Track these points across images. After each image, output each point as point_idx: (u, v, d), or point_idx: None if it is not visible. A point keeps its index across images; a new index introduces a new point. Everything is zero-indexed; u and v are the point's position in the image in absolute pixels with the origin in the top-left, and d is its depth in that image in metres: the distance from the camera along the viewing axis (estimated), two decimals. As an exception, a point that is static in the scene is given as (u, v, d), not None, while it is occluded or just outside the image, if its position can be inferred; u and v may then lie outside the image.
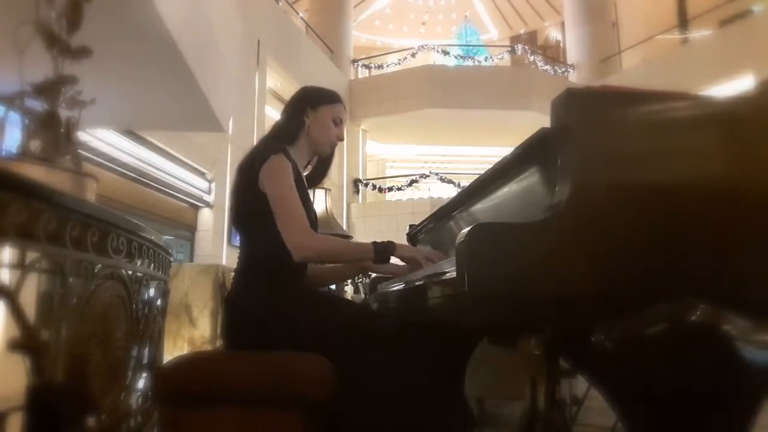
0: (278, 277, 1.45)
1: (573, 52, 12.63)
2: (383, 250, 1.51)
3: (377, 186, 11.60)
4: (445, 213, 1.82)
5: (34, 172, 1.42)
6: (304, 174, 1.69)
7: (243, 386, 1.29)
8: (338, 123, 1.68)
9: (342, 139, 1.71)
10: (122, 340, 1.44)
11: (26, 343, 1.03)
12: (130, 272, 1.43)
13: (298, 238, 1.41)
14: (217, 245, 6.80)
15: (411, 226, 2.28)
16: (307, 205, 1.57)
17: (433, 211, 1.94)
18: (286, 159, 1.50)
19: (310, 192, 3.95)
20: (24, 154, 1.56)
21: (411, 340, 1.38)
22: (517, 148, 1.17)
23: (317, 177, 1.76)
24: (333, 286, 4.30)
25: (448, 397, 1.54)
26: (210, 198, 6.89)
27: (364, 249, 1.54)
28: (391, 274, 1.75)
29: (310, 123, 1.63)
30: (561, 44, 15.96)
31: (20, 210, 0.99)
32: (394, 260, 1.62)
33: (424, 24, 17.22)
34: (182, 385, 1.32)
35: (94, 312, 1.26)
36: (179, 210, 6.61)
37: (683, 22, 12.11)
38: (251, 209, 1.47)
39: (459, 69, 12.28)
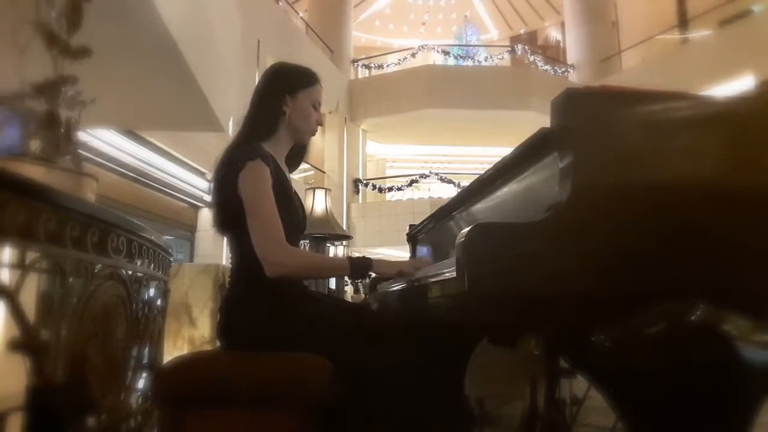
0: (273, 279, 1.43)
1: (573, 52, 12.64)
2: (359, 267, 1.47)
3: (377, 186, 11.60)
4: (445, 213, 1.82)
5: (34, 172, 1.42)
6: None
7: (243, 386, 1.29)
8: (317, 107, 1.58)
9: (322, 124, 1.62)
10: (122, 340, 1.44)
11: (26, 343, 1.03)
12: (130, 272, 1.43)
13: (272, 255, 1.35)
14: (217, 245, 6.79)
15: (411, 226, 2.28)
16: (294, 202, 1.54)
17: (433, 211, 1.94)
18: (263, 164, 1.41)
19: (310, 192, 3.94)
20: (24, 154, 1.56)
21: (411, 340, 1.38)
22: (517, 148, 1.17)
23: (294, 164, 1.68)
24: (333, 286, 4.31)
25: (448, 397, 1.53)
26: (210, 198, 6.88)
27: (340, 265, 1.51)
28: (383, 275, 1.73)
29: (289, 112, 1.53)
30: (561, 44, 15.96)
31: (20, 210, 0.99)
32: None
33: (424, 24, 17.23)
34: (182, 385, 1.32)
35: (94, 312, 1.26)
36: (179, 210, 6.61)
37: (683, 22, 12.11)
38: (235, 214, 1.42)
39: (459, 69, 12.30)
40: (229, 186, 1.43)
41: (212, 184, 1.53)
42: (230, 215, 1.45)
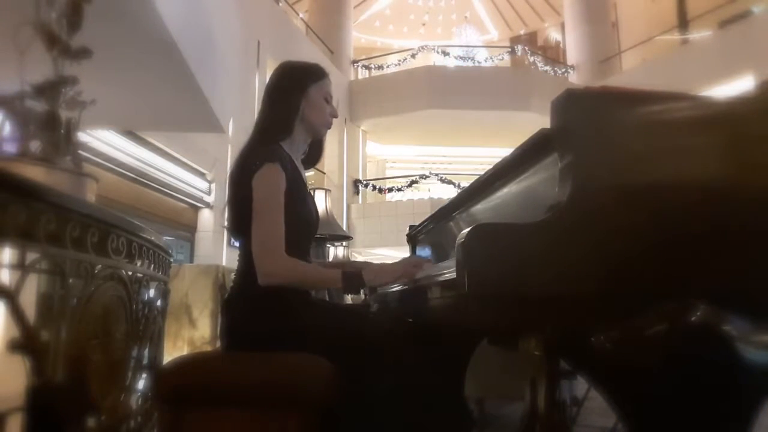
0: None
1: (573, 53, 12.64)
2: (351, 282, 1.43)
3: (377, 187, 11.60)
4: (445, 214, 1.82)
5: (34, 173, 1.42)
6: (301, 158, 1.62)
7: (243, 387, 1.29)
8: (330, 99, 1.58)
9: (336, 116, 1.61)
10: (122, 341, 1.44)
11: (26, 343, 1.03)
12: (130, 273, 1.43)
13: (266, 265, 1.36)
14: (217, 246, 6.80)
15: (411, 226, 2.29)
16: (307, 203, 1.53)
17: (433, 211, 1.94)
18: (280, 169, 1.41)
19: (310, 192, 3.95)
20: (24, 155, 1.56)
21: (411, 340, 1.38)
22: (517, 149, 1.17)
23: (313, 159, 1.67)
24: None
25: (448, 397, 1.53)
26: (210, 199, 6.89)
27: (333, 278, 1.45)
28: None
29: (303, 108, 1.52)
30: (561, 45, 15.97)
31: (20, 211, 0.99)
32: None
33: (424, 25, 17.23)
34: (182, 386, 1.32)
35: (94, 313, 1.26)
36: (179, 210, 6.61)
37: (683, 22, 12.12)
38: (248, 214, 1.43)
39: (459, 70, 12.29)
40: (244, 184, 1.42)
41: (228, 183, 1.52)
42: (242, 215, 1.45)
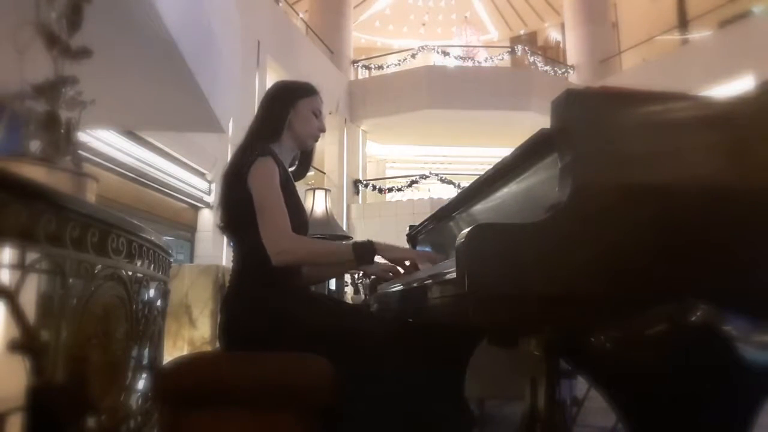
0: (274, 278, 1.44)
1: (573, 53, 12.64)
2: (363, 251, 1.48)
3: (377, 187, 11.60)
4: (445, 214, 1.82)
5: (34, 173, 1.42)
6: (290, 170, 1.68)
7: (243, 387, 1.29)
8: (318, 115, 1.68)
9: (324, 131, 1.70)
10: (122, 341, 1.44)
11: (26, 343, 1.03)
12: (130, 273, 1.43)
13: (278, 243, 1.40)
14: (217, 246, 6.79)
15: (411, 226, 2.28)
16: (297, 205, 1.56)
17: (433, 211, 1.94)
18: (273, 161, 1.48)
19: (310, 192, 3.95)
20: (24, 155, 1.56)
21: (411, 340, 1.38)
22: (517, 149, 1.17)
23: (301, 171, 1.75)
24: (333, 287, 4.30)
25: (448, 397, 1.53)
26: (210, 198, 6.89)
27: (344, 250, 1.53)
28: (381, 273, 1.72)
29: (291, 118, 1.62)
30: (561, 45, 15.96)
31: (20, 210, 0.99)
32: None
33: (424, 25, 17.22)
34: (182, 386, 1.32)
35: (94, 313, 1.26)
36: (179, 210, 6.61)
37: (683, 22, 12.12)
38: (243, 212, 1.45)
39: (459, 70, 12.29)
40: (238, 182, 1.46)
41: (221, 183, 1.58)
42: (237, 214, 1.48)
